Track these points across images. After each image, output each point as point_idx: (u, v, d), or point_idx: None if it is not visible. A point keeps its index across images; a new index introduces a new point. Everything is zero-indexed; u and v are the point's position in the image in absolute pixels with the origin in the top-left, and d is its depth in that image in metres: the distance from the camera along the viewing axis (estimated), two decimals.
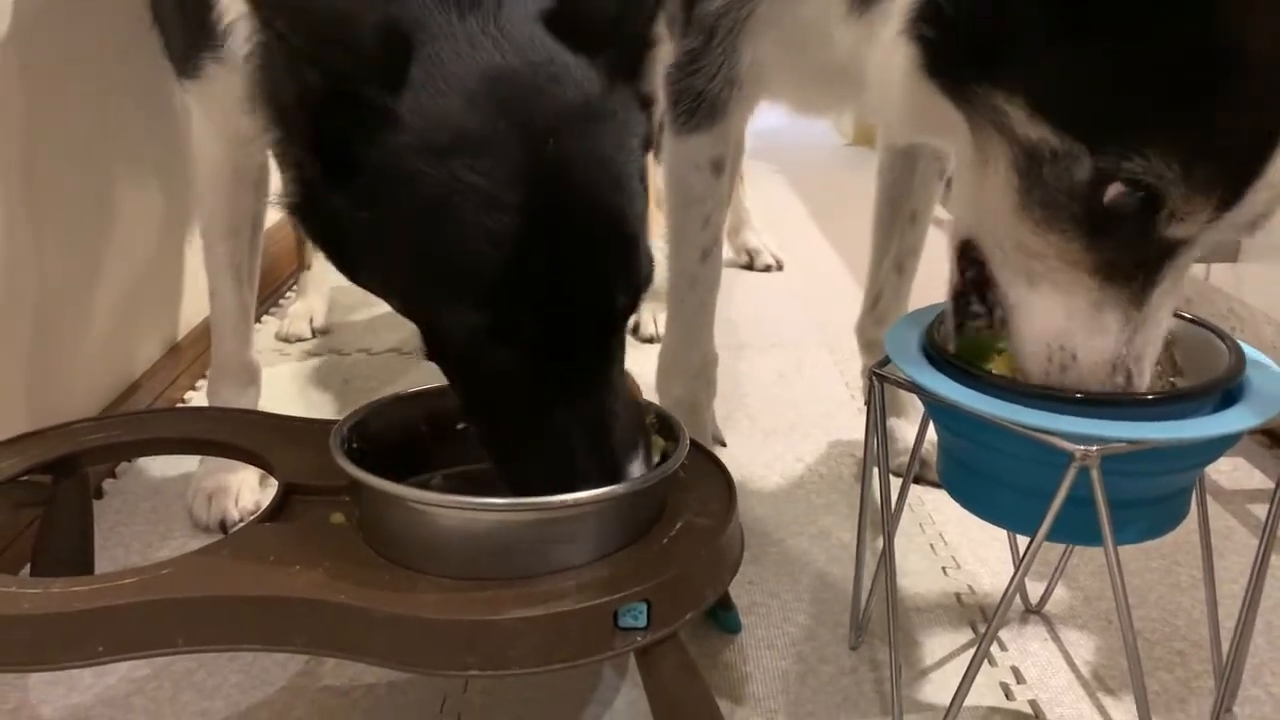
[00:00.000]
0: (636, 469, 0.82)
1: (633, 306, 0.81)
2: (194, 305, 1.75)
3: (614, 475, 0.81)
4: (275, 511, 0.91)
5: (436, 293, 0.79)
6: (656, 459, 0.88)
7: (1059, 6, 0.72)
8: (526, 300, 0.76)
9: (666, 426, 0.95)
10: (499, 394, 0.82)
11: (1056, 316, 0.80)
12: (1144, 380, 0.80)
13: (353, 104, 0.74)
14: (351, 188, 0.77)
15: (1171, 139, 0.71)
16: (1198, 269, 1.57)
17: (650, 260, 0.82)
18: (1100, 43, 0.71)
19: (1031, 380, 0.82)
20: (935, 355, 0.87)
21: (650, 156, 1.83)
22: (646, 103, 0.84)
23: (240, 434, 1.05)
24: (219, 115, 1.14)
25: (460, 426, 0.97)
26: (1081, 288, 0.78)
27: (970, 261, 0.87)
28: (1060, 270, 0.79)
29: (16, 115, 1.24)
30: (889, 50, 0.84)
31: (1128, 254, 0.76)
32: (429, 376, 0.90)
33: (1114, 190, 0.73)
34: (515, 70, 0.76)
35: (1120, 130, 0.72)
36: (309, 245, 1.97)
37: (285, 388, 1.70)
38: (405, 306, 0.83)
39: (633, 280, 0.80)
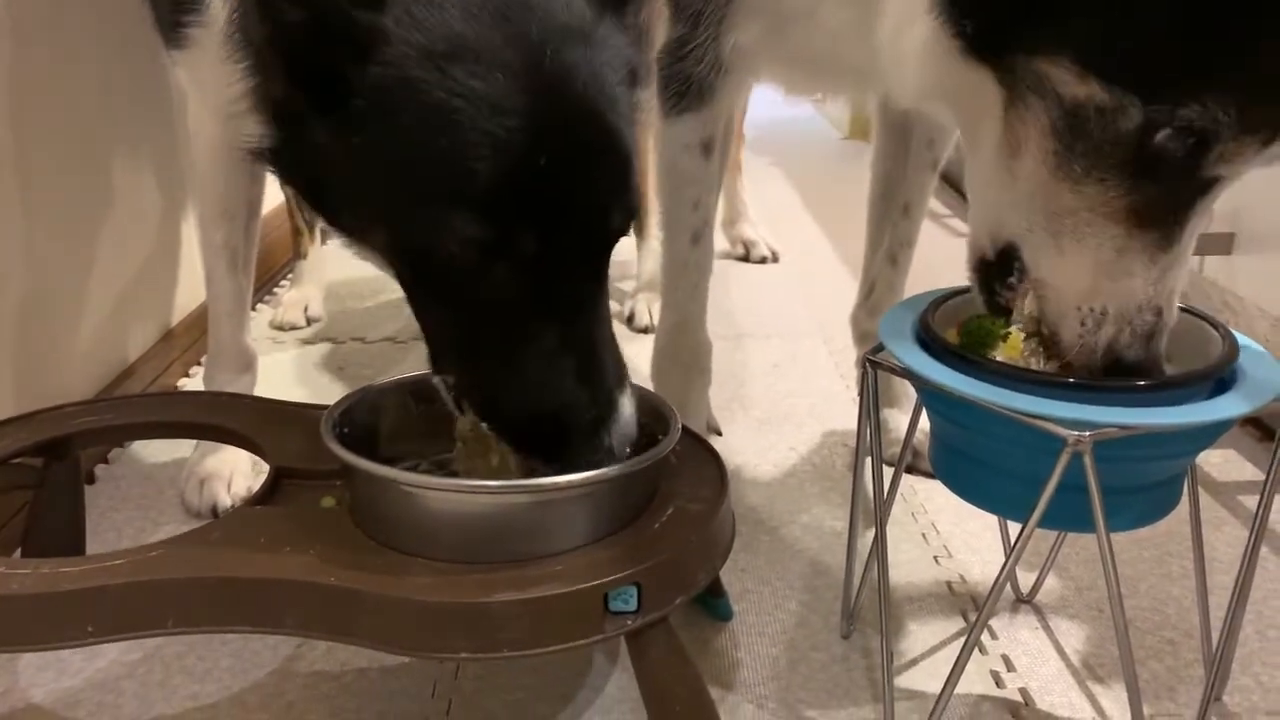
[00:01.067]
0: (628, 405, 0.82)
1: (624, 229, 0.81)
2: (188, 291, 1.75)
3: (608, 404, 0.80)
4: (266, 495, 0.91)
5: (434, 209, 0.76)
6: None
7: None
8: (527, 210, 0.75)
9: (659, 413, 0.95)
10: (489, 321, 0.80)
11: (1084, 275, 0.81)
12: (1173, 315, 0.82)
13: (338, 29, 0.74)
14: (340, 116, 0.76)
15: (1224, 84, 0.72)
16: (1192, 261, 1.57)
17: (639, 191, 0.82)
18: None
19: (1066, 346, 0.82)
20: (929, 341, 0.86)
21: (648, 144, 1.82)
22: (636, 37, 0.84)
23: (232, 418, 1.04)
24: (210, 87, 1.11)
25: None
26: (1109, 237, 0.79)
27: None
28: (1090, 223, 0.79)
29: (8, 100, 1.23)
30: (904, 23, 0.84)
31: (1166, 194, 0.78)
32: (422, 365, 0.89)
33: (1163, 135, 0.74)
34: None
35: (1174, 79, 0.73)
36: (304, 234, 1.96)
37: (279, 375, 1.70)
38: (394, 237, 0.81)
39: (627, 199, 0.80)
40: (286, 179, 0.89)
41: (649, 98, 0.89)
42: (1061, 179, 0.79)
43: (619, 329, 1.89)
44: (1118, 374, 0.82)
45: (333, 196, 0.83)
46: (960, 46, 0.81)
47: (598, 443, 0.81)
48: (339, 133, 0.77)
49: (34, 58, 1.29)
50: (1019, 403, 0.76)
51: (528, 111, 0.73)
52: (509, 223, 0.75)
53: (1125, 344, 0.81)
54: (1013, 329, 0.89)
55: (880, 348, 0.90)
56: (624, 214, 0.80)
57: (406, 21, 0.74)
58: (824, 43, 1.03)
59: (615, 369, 0.82)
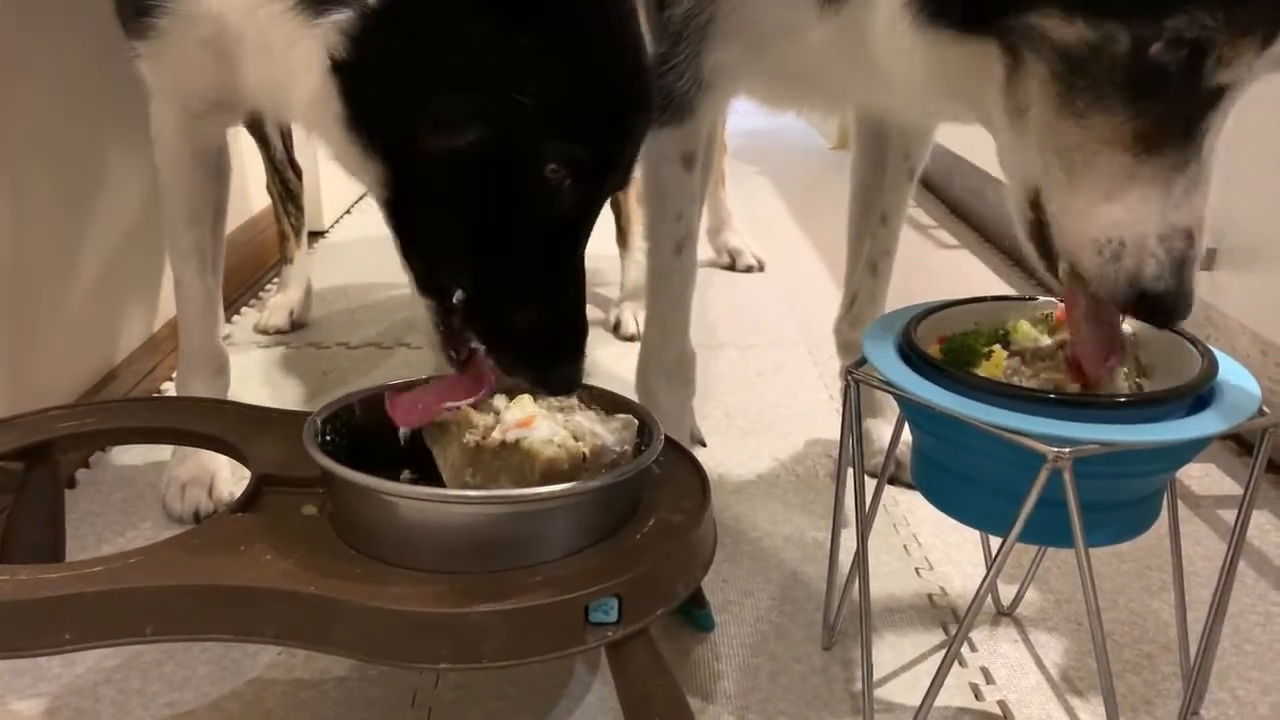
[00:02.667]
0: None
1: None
2: (172, 295, 1.74)
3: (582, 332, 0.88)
4: (247, 502, 0.90)
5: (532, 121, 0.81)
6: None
7: None
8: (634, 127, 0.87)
9: (641, 423, 0.95)
10: (519, 230, 0.85)
11: (1097, 204, 0.79)
12: (1204, 241, 0.79)
13: None
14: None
15: None
16: None
17: None
18: None
19: (1091, 278, 0.80)
20: (911, 355, 0.87)
21: None
22: None
23: (214, 424, 1.04)
24: (172, 82, 1.11)
25: None
26: (1119, 164, 0.78)
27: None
28: (1099, 153, 0.78)
29: None
30: (891, 26, 0.85)
31: (1173, 112, 0.76)
32: (406, 371, 0.89)
33: (1156, 48, 0.73)
34: None
35: None
36: (290, 239, 1.96)
37: (263, 380, 1.69)
38: (472, 142, 0.82)
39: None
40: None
41: None
42: (1067, 117, 0.79)
43: (604, 337, 1.92)
44: (1146, 308, 0.79)
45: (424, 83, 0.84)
46: (947, 28, 0.82)
47: (571, 368, 0.88)
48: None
49: (14, 56, 1.28)
50: (999, 418, 0.77)
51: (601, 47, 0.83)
52: (615, 128, 0.85)
53: (1152, 275, 0.78)
54: (995, 346, 0.89)
55: (862, 361, 0.91)
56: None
57: None
58: (803, 60, 1.04)
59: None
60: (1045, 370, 0.88)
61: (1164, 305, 0.78)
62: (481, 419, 0.87)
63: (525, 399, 0.90)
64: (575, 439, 0.85)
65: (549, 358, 0.87)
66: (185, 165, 1.21)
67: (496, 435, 0.85)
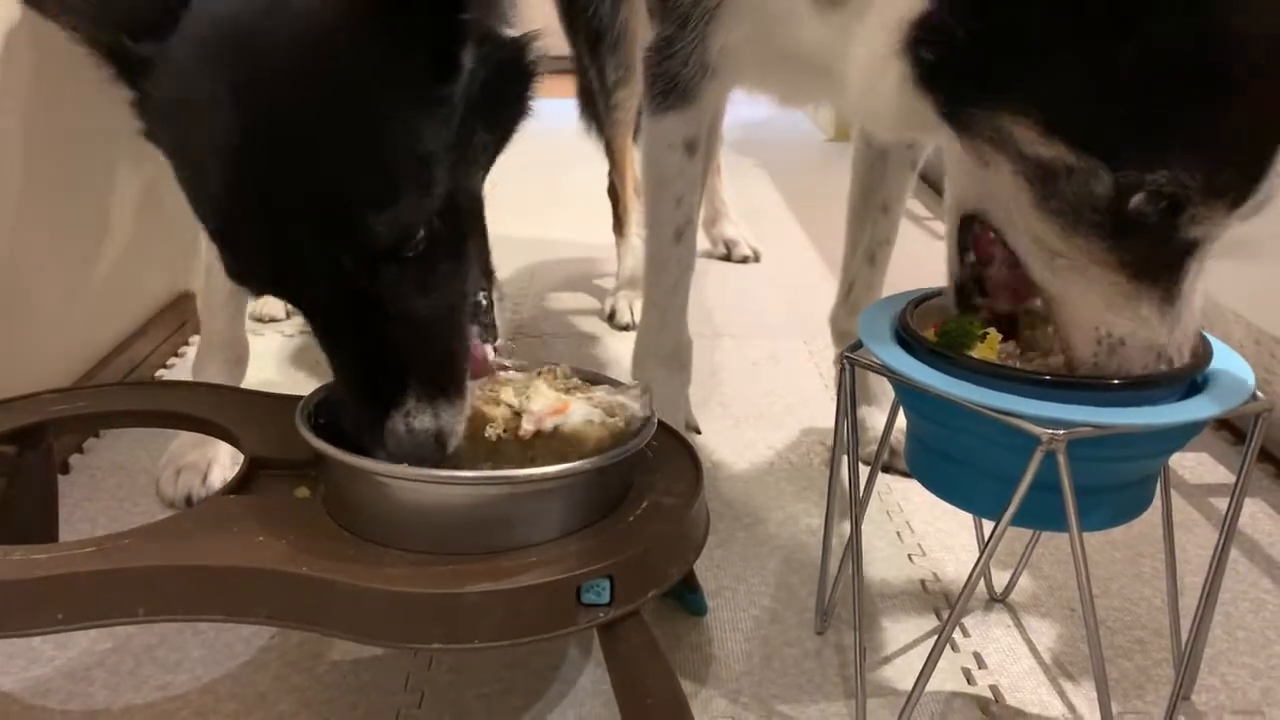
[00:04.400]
0: (396, 436, 0.81)
1: (378, 261, 0.76)
2: (166, 280, 1.74)
3: (376, 435, 0.81)
4: (240, 484, 0.91)
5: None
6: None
7: (1072, 26, 0.73)
8: (241, 262, 0.78)
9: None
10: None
11: (1097, 306, 0.82)
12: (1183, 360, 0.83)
13: (121, 55, 0.77)
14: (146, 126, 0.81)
15: (1191, 149, 0.73)
16: None
17: (394, 224, 0.75)
18: (1113, 60, 0.73)
19: (1080, 364, 0.83)
20: (907, 339, 0.87)
21: (629, 143, 1.81)
22: (441, 45, 0.79)
23: (207, 408, 1.04)
24: None
25: None
26: (1113, 281, 0.80)
27: (977, 242, 0.88)
28: (1090, 267, 0.80)
29: None
30: (874, 57, 0.85)
31: (1153, 253, 0.79)
32: None
33: (1137, 199, 0.75)
34: (244, 24, 0.75)
35: (1141, 144, 0.74)
36: None
37: (258, 366, 1.67)
38: None
39: (356, 242, 0.75)
40: None
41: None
42: (1050, 225, 0.80)
43: (600, 326, 1.92)
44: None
45: None
46: (925, 91, 0.82)
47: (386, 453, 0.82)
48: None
49: (14, 45, 1.27)
50: (994, 400, 0.77)
51: (226, 173, 0.75)
52: (232, 267, 0.79)
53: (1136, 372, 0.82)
54: (990, 329, 0.89)
55: (858, 345, 0.91)
56: (359, 254, 0.75)
57: (165, 58, 0.77)
58: (807, 49, 1.04)
59: (386, 391, 0.81)
60: (1039, 357, 0.88)
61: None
62: (495, 411, 0.87)
63: (539, 385, 0.90)
64: (609, 415, 0.86)
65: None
66: None
67: (529, 426, 0.85)
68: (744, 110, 2.35)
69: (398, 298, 0.79)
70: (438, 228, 0.79)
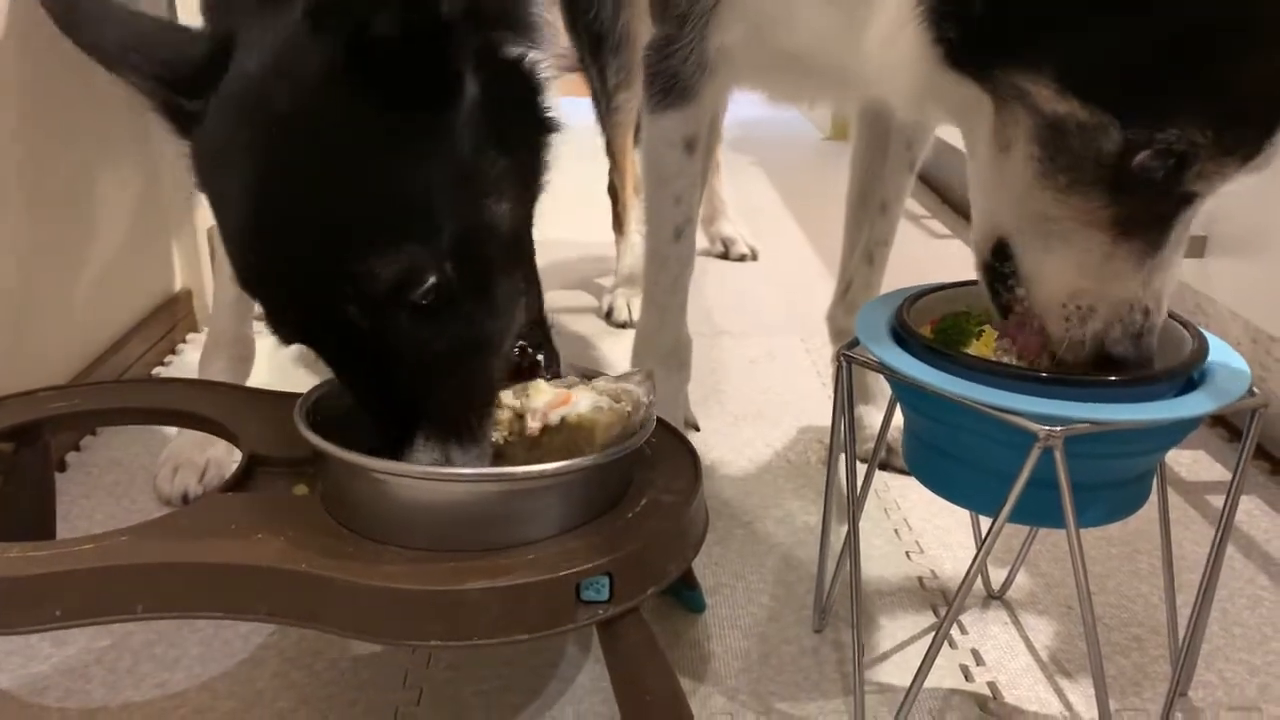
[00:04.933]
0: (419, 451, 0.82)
1: (385, 306, 0.77)
2: (164, 277, 1.73)
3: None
4: (239, 481, 0.91)
5: None
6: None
7: None
8: (266, 305, 0.82)
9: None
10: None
11: (1069, 275, 0.82)
12: (1161, 316, 0.84)
13: (171, 108, 0.82)
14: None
15: (1202, 106, 0.73)
16: None
17: (397, 268, 0.76)
18: (1128, 18, 0.73)
19: (1056, 338, 0.83)
20: (904, 336, 0.87)
21: (629, 143, 1.81)
22: (439, 75, 0.79)
23: (205, 404, 1.04)
24: None
25: None
26: (1095, 244, 0.80)
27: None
28: (1075, 230, 0.81)
29: None
30: (893, 33, 0.85)
31: (1148, 208, 0.79)
32: None
33: (1143, 156, 0.75)
34: (249, 74, 0.78)
35: (1152, 102, 0.74)
36: None
37: (257, 364, 1.68)
38: None
39: (358, 290, 0.76)
40: None
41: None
42: (1046, 187, 0.80)
43: (598, 325, 1.91)
44: (1107, 368, 0.82)
45: None
46: (944, 55, 0.82)
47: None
48: None
49: (10, 44, 1.27)
50: (991, 397, 0.77)
51: (239, 226, 0.80)
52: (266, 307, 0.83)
53: (1114, 339, 0.83)
54: (986, 326, 0.90)
55: (855, 343, 0.91)
56: (362, 301, 0.77)
57: (207, 115, 0.80)
58: (807, 46, 1.04)
59: (399, 426, 0.82)
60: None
61: (1122, 367, 0.83)
62: (499, 415, 0.87)
63: (537, 383, 0.90)
64: (616, 400, 0.86)
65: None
66: None
67: (534, 424, 0.85)
68: (741, 109, 2.35)
69: (411, 343, 0.79)
70: (450, 273, 0.79)
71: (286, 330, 0.82)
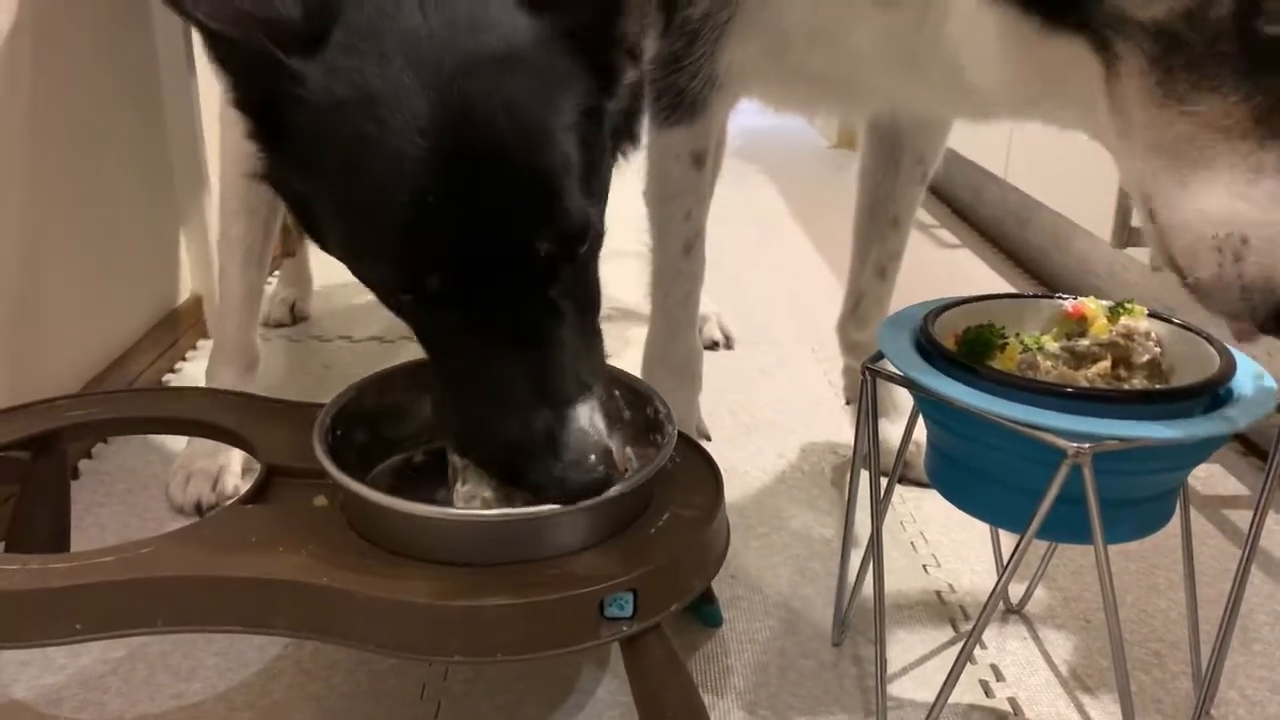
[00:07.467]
0: (581, 419, 0.80)
1: (563, 253, 0.78)
2: (177, 284, 1.73)
3: (550, 438, 0.79)
4: (257, 493, 0.90)
5: (358, 251, 0.81)
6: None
7: None
8: (431, 251, 0.76)
9: (656, 417, 0.95)
10: (436, 348, 0.84)
11: (1215, 198, 0.72)
12: None
13: (272, 70, 0.75)
14: (287, 152, 0.80)
15: None
16: None
17: (583, 214, 0.78)
18: None
19: (1204, 281, 0.74)
20: (928, 350, 0.87)
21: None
22: (607, 69, 0.83)
23: (223, 415, 1.03)
24: None
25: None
26: (1240, 155, 0.70)
27: None
28: (1213, 148, 0.71)
29: None
30: (976, 16, 0.82)
31: None
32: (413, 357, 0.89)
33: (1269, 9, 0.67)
34: (432, 26, 0.76)
35: None
36: (294, 232, 1.95)
37: (266, 373, 1.67)
38: (350, 268, 0.84)
39: (553, 226, 0.77)
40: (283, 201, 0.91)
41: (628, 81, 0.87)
42: (1170, 107, 0.72)
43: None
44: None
45: (309, 222, 0.86)
46: (1038, 16, 0.78)
47: (549, 471, 0.79)
48: (290, 167, 0.81)
49: (19, 49, 1.27)
50: (1019, 413, 0.76)
51: (426, 152, 0.74)
52: (415, 264, 0.76)
53: None
54: (1010, 338, 0.89)
55: (879, 356, 0.90)
56: (552, 239, 0.77)
57: (329, 70, 0.75)
58: (830, 61, 1.03)
59: (568, 387, 0.80)
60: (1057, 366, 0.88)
61: None
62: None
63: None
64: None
65: (513, 469, 0.83)
66: (246, 157, 1.21)
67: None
68: (746, 117, 2.35)
69: (568, 297, 0.81)
70: (597, 235, 0.82)
71: (444, 270, 0.77)
